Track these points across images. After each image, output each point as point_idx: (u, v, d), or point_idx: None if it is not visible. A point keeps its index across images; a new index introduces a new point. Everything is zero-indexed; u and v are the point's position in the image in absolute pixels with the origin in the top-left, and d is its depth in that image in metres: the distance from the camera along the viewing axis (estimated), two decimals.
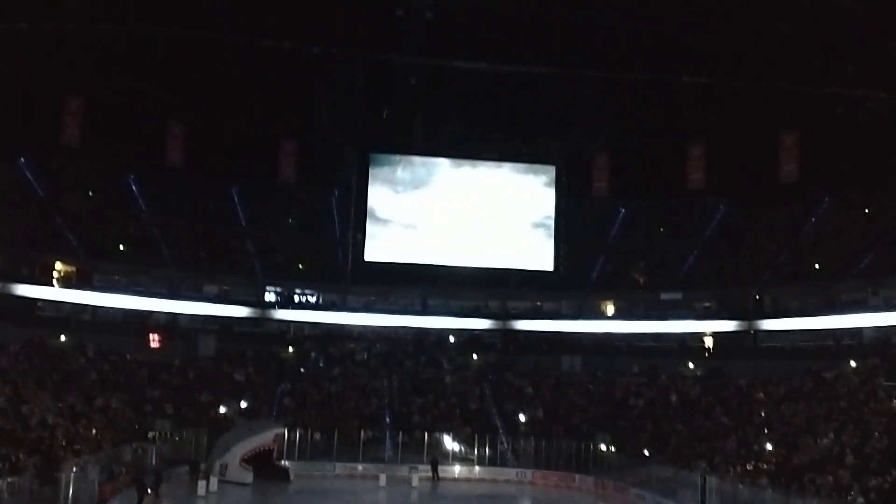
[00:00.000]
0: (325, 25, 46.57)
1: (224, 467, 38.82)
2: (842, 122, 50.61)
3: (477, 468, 46.01)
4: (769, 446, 35.73)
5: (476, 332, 59.29)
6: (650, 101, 52.76)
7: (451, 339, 58.72)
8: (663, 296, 57.16)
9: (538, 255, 59.08)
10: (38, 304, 50.88)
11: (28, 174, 54.90)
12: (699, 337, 55.65)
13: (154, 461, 37.98)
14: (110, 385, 45.05)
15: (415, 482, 42.23)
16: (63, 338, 49.27)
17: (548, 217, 59.56)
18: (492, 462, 46.16)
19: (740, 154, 56.10)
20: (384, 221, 58.41)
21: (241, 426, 42.59)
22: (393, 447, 46.27)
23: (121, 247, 55.73)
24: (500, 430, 48.94)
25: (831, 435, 33.43)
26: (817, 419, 36.34)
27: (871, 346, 46.36)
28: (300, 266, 60.71)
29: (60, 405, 37.20)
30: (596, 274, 61.19)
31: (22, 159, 54.60)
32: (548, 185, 59.94)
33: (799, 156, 53.12)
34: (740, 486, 31.72)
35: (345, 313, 58.52)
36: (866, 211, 53.76)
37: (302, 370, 53.76)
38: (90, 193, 57.43)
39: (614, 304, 59.04)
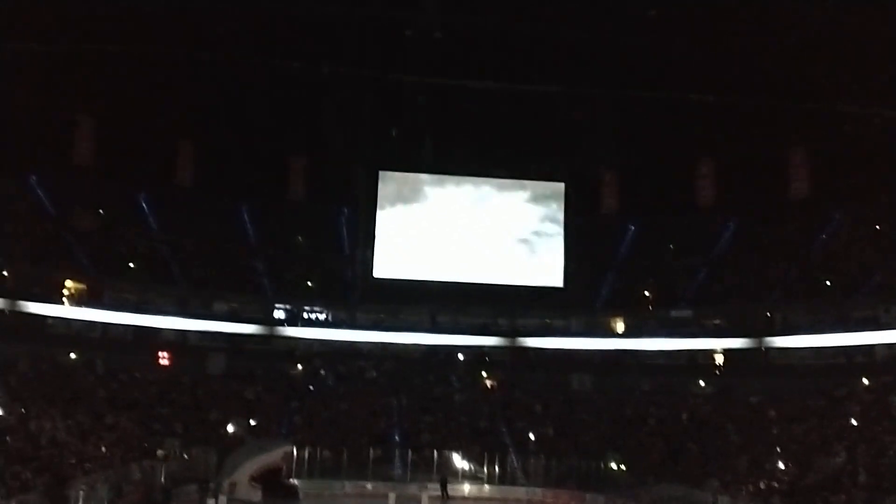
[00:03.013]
0: (335, 45, 46.88)
1: (233, 486, 38.65)
2: (851, 138, 50.60)
3: (487, 487, 45.73)
4: (781, 465, 35.49)
5: (485, 349, 59.15)
6: (659, 118, 52.85)
7: (461, 356, 58.55)
8: (673, 313, 56.99)
9: (548, 271, 58.95)
10: (48, 321, 51.04)
11: (39, 192, 55.24)
12: (710, 354, 55.35)
13: (163, 479, 37.89)
14: (119, 403, 45.05)
15: (424, 501, 41.88)
16: (73, 355, 49.35)
17: (557, 234, 59.48)
18: (502, 480, 45.86)
19: (750, 171, 56.07)
20: (393, 239, 58.42)
21: (250, 444, 42.51)
22: (402, 465, 46.06)
23: (131, 265, 55.93)
24: (510, 449, 48.70)
25: (844, 453, 33.17)
26: (830, 437, 36.11)
27: (883, 364, 46.11)
28: (309, 284, 60.75)
29: (70, 423, 37.22)
30: (605, 291, 61.04)
31: (34, 178, 54.97)
32: (557, 202, 59.91)
33: (809, 172, 53.16)
34: None
35: (354, 331, 58.52)
36: (877, 227, 53.53)
37: (311, 388, 53.66)
38: (101, 212, 57.69)
39: (624, 322, 58.82)
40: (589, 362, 57.26)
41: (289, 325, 58.00)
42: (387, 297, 58.52)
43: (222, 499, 36.68)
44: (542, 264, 59.19)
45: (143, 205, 59.98)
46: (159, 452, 41.28)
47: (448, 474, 45.00)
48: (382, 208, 58.69)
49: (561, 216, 59.71)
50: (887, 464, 30.50)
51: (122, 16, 44.65)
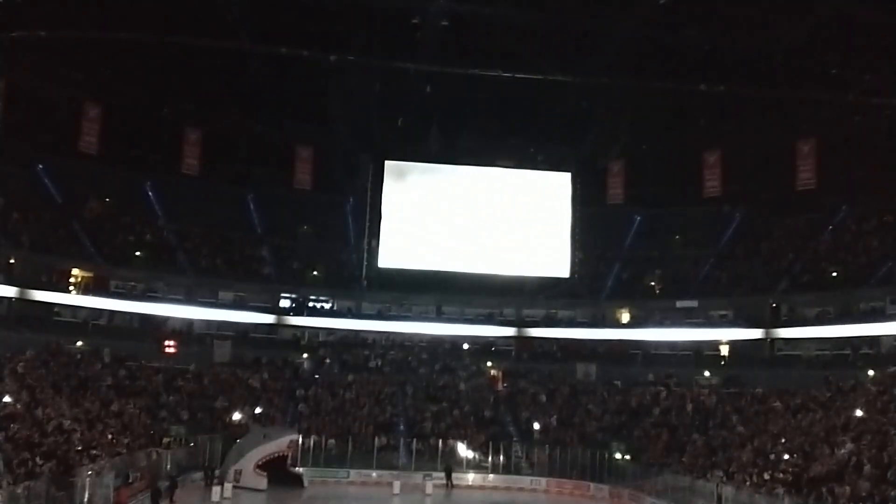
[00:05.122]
0: (342, 33, 46.73)
1: (238, 473, 38.92)
2: (859, 129, 50.39)
3: (491, 476, 45.92)
4: (786, 456, 35.41)
5: (491, 339, 59.17)
6: (666, 108, 52.61)
7: (466, 346, 58.60)
8: (679, 304, 56.86)
9: (554, 262, 58.80)
10: (56, 309, 51.24)
11: (46, 180, 55.36)
12: (715, 345, 55.39)
13: (169, 467, 38.11)
14: (126, 390, 45.27)
15: (429, 489, 42.18)
16: (80, 343, 49.51)
17: (564, 224, 59.27)
18: (506, 470, 46.06)
19: (757, 162, 55.86)
20: (399, 228, 58.28)
21: (255, 432, 42.67)
22: (407, 454, 46.23)
23: (137, 253, 56.09)
24: (515, 438, 48.83)
25: (849, 445, 33.09)
26: (835, 429, 36.00)
27: (889, 355, 46.02)
28: (315, 273, 60.91)
29: (77, 410, 37.38)
30: (611, 282, 61.03)
31: (40, 166, 55.10)
32: (563, 192, 59.69)
33: (816, 163, 52.80)
34: (756, 496, 31.47)
35: (359, 320, 58.73)
36: (884, 219, 53.31)
37: (316, 377, 53.78)
38: (107, 200, 57.85)
39: (629, 312, 58.81)
40: (594, 352, 57.29)
41: (294, 313, 58.15)
42: (392, 287, 58.58)
43: (228, 486, 36.96)
44: (549, 254, 59.02)
45: (150, 193, 60.08)
46: (165, 440, 41.47)
47: (452, 463, 45.17)
48: (388, 198, 58.50)
49: (568, 206, 59.47)
50: (893, 455, 30.43)
51: (129, 2, 44.54)
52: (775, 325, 53.00)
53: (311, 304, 59.16)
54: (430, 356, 57.24)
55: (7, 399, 33.40)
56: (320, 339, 58.58)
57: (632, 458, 45.29)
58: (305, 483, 41.60)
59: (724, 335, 55.03)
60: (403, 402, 51.93)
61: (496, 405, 52.48)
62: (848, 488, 29.09)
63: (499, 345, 59.17)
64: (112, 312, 53.35)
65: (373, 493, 42.22)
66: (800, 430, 38.33)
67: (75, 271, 52.52)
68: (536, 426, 49.88)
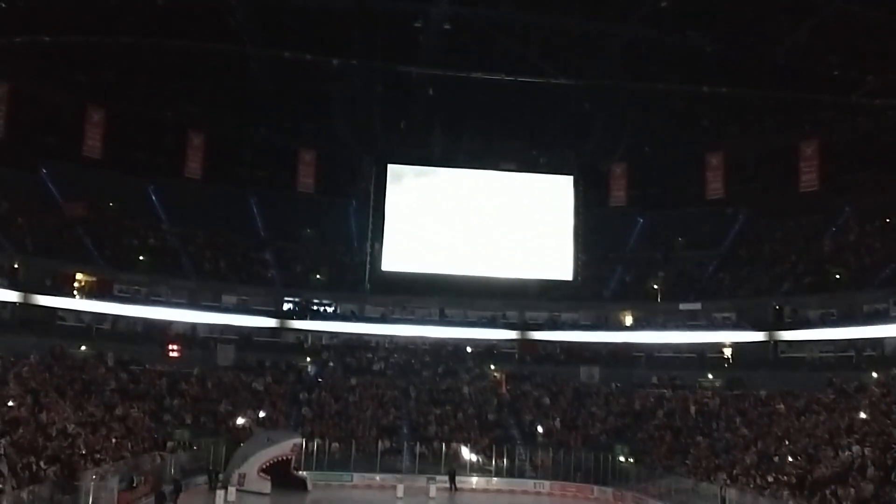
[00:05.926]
0: (344, 37, 46.85)
1: (242, 477, 38.91)
2: (862, 131, 50.40)
3: (494, 479, 45.89)
4: (790, 458, 35.38)
5: (494, 342, 59.12)
6: (669, 110, 52.69)
7: (469, 349, 58.56)
8: (682, 306, 56.73)
9: (557, 264, 58.75)
10: (59, 314, 51.29)
11: (50, 185, 55.46)
12: (719, 348, 55.23)
13: (173, 471, 38.09)
14: (130, 394, 45.26)
15: (432, 493, 42.15)
16: (83, 347, 49.52)
17: (566, 226, 59.23)
18: (509, 473, 46.01)
19: (760, 163, 55.96)
20: (402, 231, 58.30)
21: (259, 436, 42.69)
22: (410, 457, 46.14)
23: (141, 257, 56.14)
24: (518, 441, 48.81)
25: (853, 447, 33.05)
26: (838, 431, 35.95)
27: (892, 357, 45.94)
28: (318, 276, 60.91)
29: (80, 414, 37.39)
30: (614, 284, 61.03)
31: (44, 170, 55.21)
32: (566, 194, 59.66)
33: (819, 165, 52.87)
34: (760, 498, 31.44)
35: (362, 323, 58.64)
36: (887, 221, 53.26)
37: (320, 380, 53.78)
38: (111, 204, 57.95)
39: (633, 315, 58.60)
40: (597, 355, 57.20)
41: (298, 317, 58.10)
42: (396, 290, 58.51)
43: (232, 490, 36.93)
44: (551, 257, 58.98)
45: (153, 197, 60.19)
46: (169, 444, 41.47)
47: (456, 466, 45.15)
48: (391, 200, 58.51)
49: (570, 209, 59.41)
50: None
51: (132, 6, 44.67)
52: (778, 328, 52.85)
53: (314, 308, 59.14)
54: (433, 359, 57.23)
55: (11, 403, 33.46)
56: (323, 342, 58.56)
57: (635, 460, 45.23)
58: (309, 487, 41.55)
59: (728, 337, 54.83)
60: (407, 406, 51.92)
61: (499, 408, 52.43)
62: (852, 490, 29.04)
63: (502, 348, 59.10)
64: (115, 316, 53.31)
65: (376, 497, 42.22)
66: (804, 433, 38.28)
67: (79, 275, 52.42)
68: (540, 429, 49.85)
